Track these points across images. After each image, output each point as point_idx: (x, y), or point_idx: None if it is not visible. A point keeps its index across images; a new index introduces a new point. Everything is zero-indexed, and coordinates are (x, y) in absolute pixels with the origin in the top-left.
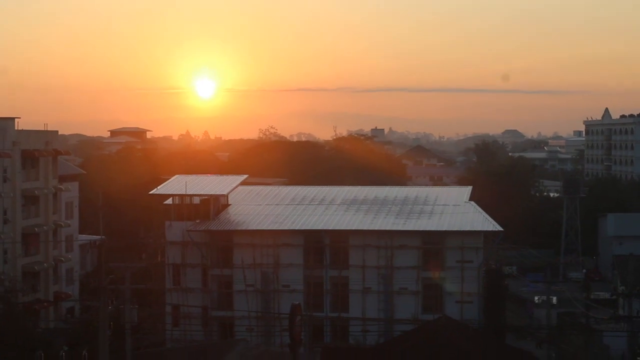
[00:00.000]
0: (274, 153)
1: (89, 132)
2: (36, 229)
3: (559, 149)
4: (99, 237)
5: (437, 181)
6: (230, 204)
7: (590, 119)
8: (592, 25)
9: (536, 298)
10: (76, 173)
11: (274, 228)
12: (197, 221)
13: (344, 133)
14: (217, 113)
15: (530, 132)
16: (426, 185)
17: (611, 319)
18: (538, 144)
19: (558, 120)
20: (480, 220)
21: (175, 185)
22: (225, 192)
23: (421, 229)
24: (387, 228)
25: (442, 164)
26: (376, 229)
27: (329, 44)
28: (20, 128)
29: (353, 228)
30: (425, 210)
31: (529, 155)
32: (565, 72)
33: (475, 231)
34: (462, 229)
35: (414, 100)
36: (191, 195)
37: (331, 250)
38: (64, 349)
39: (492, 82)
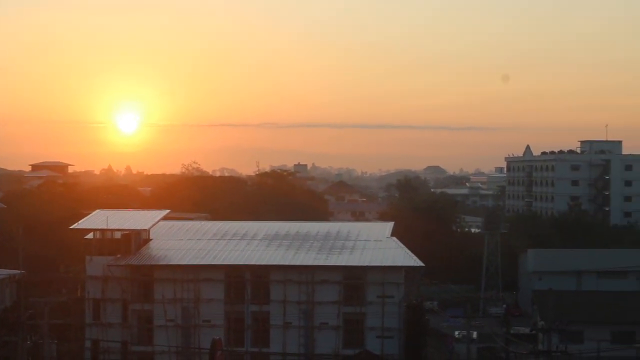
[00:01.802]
0: (197, 188)
1: (10, 166)
2: None
3: (480, 185)
4: (18, 271)
5: (359, 217)
6: (151, 239)
7: (511, 155)
8: (513, 62)
9: (456, 333)
10: None
11: (195, 263)
12: (118, 256)
13: (267, 168)
14: (140, 147)
15: (452, 169)
16: (348, 220)
17: (530, 353)
18: (460, 180)
19: (480, 157)
20: (401, 256)
21: (96, 220)
22: (146, 227)
23: (342, 264)
24: (309, 263)
25: (364, 199)
26: (297, 264)
27: (252, 79)
28: None
29: (274, 263)
30: (347, 246)
31: (451, 191)
32: (487, 108)
33: (396, 266)
34: (383, 264)
35: (337, 136)
36: (112, 230)
37: (252, 286)
38: None
39: (415, 118)
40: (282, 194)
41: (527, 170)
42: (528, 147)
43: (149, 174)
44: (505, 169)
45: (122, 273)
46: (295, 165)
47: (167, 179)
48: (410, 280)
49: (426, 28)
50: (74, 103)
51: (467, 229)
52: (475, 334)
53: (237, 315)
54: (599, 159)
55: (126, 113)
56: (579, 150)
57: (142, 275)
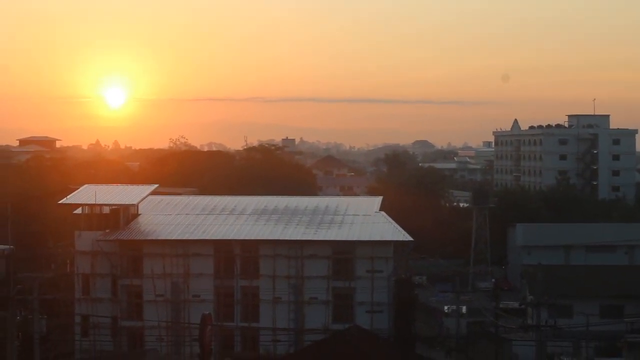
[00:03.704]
0: (185, 163)
1: None
2: None
3: (468, 160)
4: (7, 247)
5: (347, 191)
6: (140, 214)
7: (499, 129)
8: (501, 37)
9: (446, 307)
10: None
11: (184, 238)
12: (107, 231)
13: (255, 143)
14: (127, 122)
15: (440, 143)
16: (336, 195)
17: (520, 328)
18: (448, 154)
19: (468, 131)
20: (390, 230)
21: (84, 195)
22: (135, 202)
23: (331, 239)
24: (298, 238)
25: (352, 174)
26: (286, 238)
27: (240, 54)
28: None
29: (263, 238)
30: (336, 220)
31: (439, 165)
32: (474, 82)
33: (385, 241)
34: (372, 239)
35: (324, 110)
36: (101, 205)
37: (241, 260)
38: None
39: (402, 92)
40: (270, 169)
41: (515, 144)
42: (516, 121)
43: (137, 148)
44: (493, 143)
45: (111, 248)
46: (283, 139)
47: (155, 154)
48: (399, 254)
49: (414, 3)
50: (61, 78)
51: (455, 204)
52: (464, 309)
53: (226, 290)
54: (586, 133)
55: (113, 88)
56: (566, 125)
57: (131, 250)
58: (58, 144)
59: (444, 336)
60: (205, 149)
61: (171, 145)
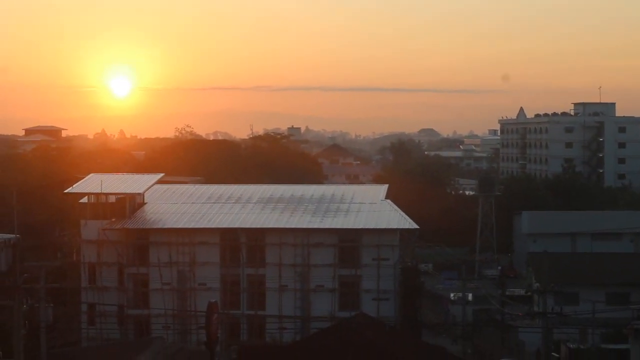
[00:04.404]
0: (190, 152)
1: (3, 131)
2: None
3: (474, 148)
4: (14, 236)
5: (353, 179)
6: (146, 203)
7: (505, 117)
8: (507, 25)
9: (452, 295)
10: None
11: (190, 226)
12: (113, 220)
13: (261, 132)
14: (133, 112)
15: (446, 131)
16: (342, 183)
17: (526, 315)
18: (453, 142)
19: (473, 119)
20: (396, 218)
21: (90, 184)
22: (141, 191)
23: (337, 227)
24: (304, 226)
25: (358, 162)
26: (292, 227)
27: (245, 42)
28: None
29: (269, 226)
30: (342, 209)
31: (445, 153)
32: (480, 71)
33: (391, 229)
34: (378, 227)
35: (330, 99)
36: (107, 194)
37: (248, 249)
38: None
39: (408, 81)
40: (276, 158)
41: (521, 132)
42: (522, 109)
43: (143, 137)
44: (499, 132)
45: (117, 237)
46: (288, 128)
47: (160, 143)
48: (405, 242)
49: None
50: (67, 67)
51: (461, 192)
52: (470, 296)
53: (232, 278)
54: (592, 121)
55: (119, 77)
56: (572, 113)
57: (137, 239)
58: (64, 134)
59: (450, 323)
60: (211, 138)
61: (177, 134)
